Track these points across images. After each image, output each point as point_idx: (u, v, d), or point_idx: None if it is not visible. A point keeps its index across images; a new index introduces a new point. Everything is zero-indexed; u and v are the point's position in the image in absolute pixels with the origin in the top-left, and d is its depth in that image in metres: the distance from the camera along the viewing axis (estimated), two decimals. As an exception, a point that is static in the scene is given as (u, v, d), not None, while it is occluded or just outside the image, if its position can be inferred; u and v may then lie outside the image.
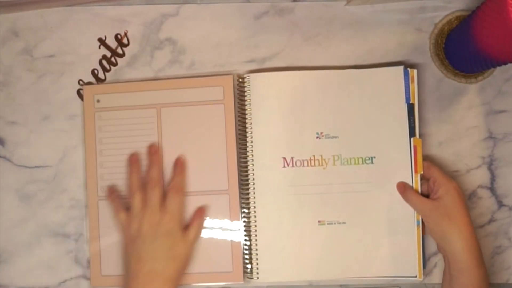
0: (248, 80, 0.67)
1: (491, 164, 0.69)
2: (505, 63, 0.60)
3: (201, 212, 0.66)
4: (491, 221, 0.69)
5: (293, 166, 0.66)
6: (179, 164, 0.67)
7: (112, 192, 0.67)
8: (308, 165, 0.66)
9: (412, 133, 0.66)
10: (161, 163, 0.67)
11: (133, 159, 0.67)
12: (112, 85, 0.69)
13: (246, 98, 0.67)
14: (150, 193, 0.64)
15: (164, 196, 0.64)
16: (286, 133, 0.66)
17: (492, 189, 0.69)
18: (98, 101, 0.69)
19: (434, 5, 0.69)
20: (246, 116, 0.67)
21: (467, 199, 0.69)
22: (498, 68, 0.68)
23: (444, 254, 0.62)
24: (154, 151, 0.67)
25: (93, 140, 0.68)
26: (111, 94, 0.68)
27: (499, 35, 0.56)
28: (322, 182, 0.66)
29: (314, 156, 0.66)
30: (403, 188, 0.65)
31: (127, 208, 0.65)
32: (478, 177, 0.69)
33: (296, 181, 0.66)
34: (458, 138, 0.69)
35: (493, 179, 0.69)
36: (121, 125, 0.68)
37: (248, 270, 0.66)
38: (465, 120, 0.69)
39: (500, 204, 0.69)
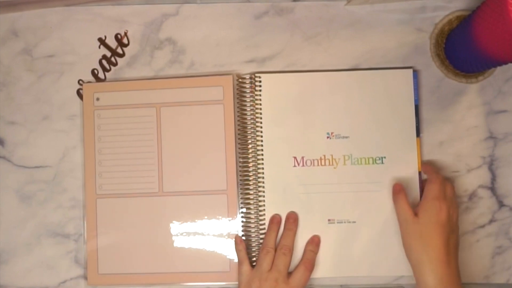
0: (260, 80, 0.67)
1: (491, 164, 0.69)
2: (506, 63, 0.60)
3: None
4: (491, 221, 0.68)
5: (303, 165, 0.67)
6: (311, 241, 0.66)
7: (240, 242, 0.66)
8: (318, 165, 0.67)
9: (417, 134, 0.67)
10: (295, 232, 0.66)
11: (275, 220, 0.66)
12: (112, 83, 0.69)
13: (257, 98, 0.67)
14: (280, 258, 0.63)
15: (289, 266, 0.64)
16: (297, 133, 0.67)
17: (492, 189, 0.69)
18: (97, 99, 0.68)
19: (434, 5, 0.69)
20: (257, 116, 0.67)
21: (468, 199, 0.68)
22: (498, 68, 0.68)
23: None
24: (293, 219, 0.66)
25: (92, 139, 0.68)
26: (111, 93, 0.68)
27: (499, 35, 0.55)
28: (332, 181, 0.67)
29: (324, 155, 0.67)
30: (398, 190, 0.64)
31: (251, 260, 0.65)
32: (478, 177, 0.68)
33: (307, 180, 0.67)
34: (459, 138, 0.68)
35: (493, 179, 0.69)
36: (120, 124, 0.68)
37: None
38: (466, 120, 0.69)
39: (501, 204, 0.69)
